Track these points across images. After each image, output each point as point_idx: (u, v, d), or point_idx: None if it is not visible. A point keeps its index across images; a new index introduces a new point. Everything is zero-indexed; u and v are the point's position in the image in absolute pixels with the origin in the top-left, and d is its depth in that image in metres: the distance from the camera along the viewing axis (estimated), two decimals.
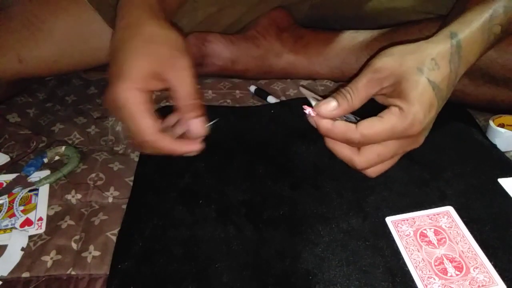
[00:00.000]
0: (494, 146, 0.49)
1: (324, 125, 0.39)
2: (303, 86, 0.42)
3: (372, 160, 0.40)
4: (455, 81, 0.40)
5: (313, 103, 0.40)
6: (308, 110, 0.39)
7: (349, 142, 0.39)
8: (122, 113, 0.38)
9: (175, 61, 0.39)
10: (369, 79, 0.38)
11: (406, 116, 0.37)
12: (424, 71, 0.37)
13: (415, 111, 0.37)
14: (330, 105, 0.38)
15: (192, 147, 0.41)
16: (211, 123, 0.44)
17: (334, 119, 0.39)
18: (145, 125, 0.38)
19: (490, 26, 0.41)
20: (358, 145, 0.39)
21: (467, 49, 0.40)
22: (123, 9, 0.43)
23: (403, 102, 0.37)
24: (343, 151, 0.41)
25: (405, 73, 0.37)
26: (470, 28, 0.40)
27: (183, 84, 0.39)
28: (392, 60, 0.38)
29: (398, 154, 0.41)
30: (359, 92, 0.38)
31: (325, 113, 0.38)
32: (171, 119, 0.44)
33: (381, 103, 0.41)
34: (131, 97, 0.38)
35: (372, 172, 0.42)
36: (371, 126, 0.37)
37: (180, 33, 0.41)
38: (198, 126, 0.40)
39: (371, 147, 0.39)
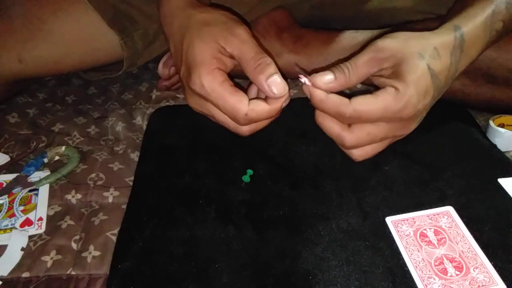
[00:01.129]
0: (494, 146, 0.49)
1: (318, 95, 0.38)
2: (297, 65, 0.42)
3: (361, 138, 0.40)
4: (454, 75, 0.40)
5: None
6: (304, 79, 0.39)
7: (340, 116, 0.38)
8: (212, 98, 0.38)
9: (229, 33, 0.39)
10: (370, 58, 0.38)
11: (401, 97, 0.37)
12: (425, 57, 0.37)
13: (410, 94, 0.37)
14: (327, 77, 0.38)
15: (284, 98, 0.39)
16: (248, 175, 0.45)
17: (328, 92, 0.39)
18: (238, 98, 0.38)
19: (493, 22, 0.41)
20: (348, 120, 0.39)
21: (470, 44, 0.40)
22: (169, 12, 0.44)
23: (400, 83, 0.37)
24: (333, 127, 0.40)
25: (406, 56, 0.37)
26: (474, 22, 0.40)
27: (243, 49, 0.39)
28: (396, 42, 0.38)
29: (388, 138, 0.41)
30: (358, 68, 0.38)
31: (320, 84, 0.38)
32: (251, 91, 0.43)
33: (377, 84, 0.40)
34: (214, 78, 0.38)
35: (359, 154, 0.42)
36: (365, 102, 0.37)
37: (224, 11, 0.42)
38: (276, 83, 0.37)
39: (362, 125, 0.39)
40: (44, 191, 0.47)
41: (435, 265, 0.36)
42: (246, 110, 0.38)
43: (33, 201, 0.45)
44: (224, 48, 0.39)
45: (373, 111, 0.37)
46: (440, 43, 0.38)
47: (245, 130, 0.41)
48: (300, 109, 0.55)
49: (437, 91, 0.39)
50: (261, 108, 0.38)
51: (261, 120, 0.40)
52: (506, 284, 0.34)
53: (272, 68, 0.38)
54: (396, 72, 0.38)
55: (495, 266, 0.36)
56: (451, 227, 0.39)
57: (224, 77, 0.39)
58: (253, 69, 0.38)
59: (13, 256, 0.40)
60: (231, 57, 0.40)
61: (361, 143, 0.40)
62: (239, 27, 0.40)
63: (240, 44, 0.39)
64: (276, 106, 0.39)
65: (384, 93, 0.37)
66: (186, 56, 0.40)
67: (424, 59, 0.37)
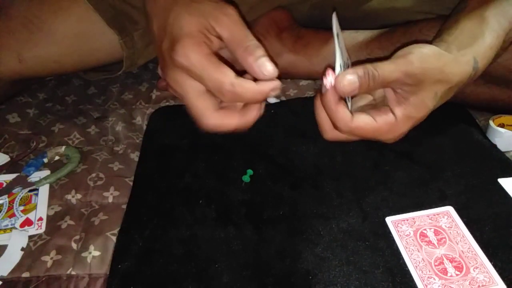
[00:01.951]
0: (494, 146, 0.49)
1: (329, 101, 0.38)
2: (336, 13, 0.40)
3: (340, 139, 0.42)
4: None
5: (338, 68, 0.38)
6: (329, 79, 0.37)
7: (336, 127, 0.40)
8: (196, 69, 0.36)
9: (220, 12, 0.38)
10: (398, 80, 0.38)
11: (396, 128, 0.39)
12: (437, 97, 0.39)
13: (405, 128, 0.39)
14: (351, 87, 0.36)
15: (274, 84, 0.36)
16: (247, 175, 0.45)
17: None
18: (224, 69, 0.36)
19: (498, 49, 0.42)
20: (341, 131, 0.40)
21: (478, 74, 0.41)
22: None
23: (401, 114, 0.38)
24: (323, 121, 0.41)
25: (424, 90, 0.38)
26: (488, 57, 0.41)
27: (234, 30, 0.38)
28: (426, 72, 0.38)
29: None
30: (382, 84, 0.38)
31: (341, 90, 0.37)
32: None
33: (384, 91, 0.41)
34: (200, 50, 0.36)
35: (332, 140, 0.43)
36: (364, 124, 0.38)
37: None
38: (264, 65, 0.36)
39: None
40: (44, 191, 0.47)
41: (435, 265, 0.36)
42: (233, 81, 0.35)
43: (33, 201, 0.45)
44: (213, 28, 0.38)
45: (366, 132, 0.39)
46: (457, 82, 0.40)
47: (209, 122, 0.38)
48: (300, 109, 0.55)
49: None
50: (249, 85, 0.36)
51: (246, 97, 0.36)
52: (506, 284, 0.34)
53: (262, 50, 0.37)
54: (406, 99, 0.39)
55: (495, 266, 0.36)
56: (451, 227, 0.39)
57: (210, 51, 0.37)
58: (243, 50, 0.37)
59: (13, 256, 0.40)
60: (219, 37, 0.38)
61: (337, 141, 0.42)
62: (230, 7, 0.39)
63: (232, 24, 0.38)
64: (264, 88, 0.36)
65: (383, 120, 0.39)
66: (171, 29, 0.38)
67: (435, 100, 0.39)
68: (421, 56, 0.38)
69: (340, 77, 0.36)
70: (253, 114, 0.38)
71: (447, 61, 0.39)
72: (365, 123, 0.38)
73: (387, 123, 0.39)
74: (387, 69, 0.37)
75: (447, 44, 0.41)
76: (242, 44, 0.37)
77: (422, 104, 0.39)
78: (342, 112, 0.38)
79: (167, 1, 0.40)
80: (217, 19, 0.38)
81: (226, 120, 0.38)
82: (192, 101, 0.38)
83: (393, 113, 0.39)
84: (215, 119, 0.38)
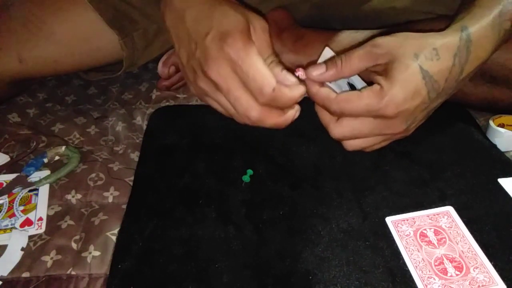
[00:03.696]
0: (494, 146, 0.49)
1: (310, 89, 0.40)
2: (329, 47, 0.43)
3: (346, 132, 0.41)
4: (459, 76, 0.40)
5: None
6: (299, 72, 0.40)
7: (328, 110, 0.40)
8: (243, 65, 0.37)
9: (257, 22, 0.40)
10: (366, 52, 0.39)
11: (383, 95, 0.37)
12: (419, 57, 0.37)
13: (393, 93, 0.37)
14: (319, 69, 0.40)
15: (302, 90, 0.39)
16: (248, 175, 0.45)
17: (322, 84, 0.40)
18: (269, 72, 0.37)
19: (500, 22, 0.40)
20: (335, 114, 0.40)
21: (477, 44, 0.39)
22: None
23: (386, 81, 0.38)
24: (324, 116, 0.42)
25: (400, 55, 0.38)
26: (480, 23, 0.40)
27: (263, 43, 0.39)
28: (394, 41, 0.39)
29: (375, 134, 0.41)
30: (351, 61, 0.39)
31: (313, 76, 0.40)
32: None
33: (372, 80, 0.41)
34: (249, 49, 0.37)
35: (349, 145, 0.43)
36: (348, 99, 0.38)
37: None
38: (287, 78, 0.39)
39: (348, 120, 0.40)
40: (44, 191, 0.47)
41: (435, 265, 0.36)
42: (275, 85, 0.37)
43: (33, 201, 0.45)
44: (251, 34, 0.39)
45: (355, 107, 0.38)
46: (442, 44, 0.38)
47: (254, 114, 0.39)
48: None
49: (433, 93, 0.39)
50: (286, 91, 0.38)
51: (281, 103, 0.38)
52: (506, 284, 0.34)
53: (281, 66, 0.40)
54: (386, 70, 0.38)
55: (495, 266, 0.36)
56: (451, 227, 0.39)
57: (257, 51, 0.38)
58: (269, 62, 0.39)
59: (13, 256, 0.40)
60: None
61: (346, 136, 0.42)
62: (264, 21, 0.40)
63: (264, 37, 0.39)
64: (295, 93, 0.38)
65: (368, 90, 0.38)
66: (221, 23, 0.38)
67: (418, 60, 0.37)
68: (389, 34, 0.39)
69: (307, 68, 0.40)
70: (291, 114, 0.40)
71: (421, 33, 0.39)
72: (350, 97, 0.38)
73: (373, 91, 0.38)
74: (354, 49, 0.40)
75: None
76: (267, 60, 0.39)
77: (402, 66, 0.37)
78: (324, 92, 0.40)
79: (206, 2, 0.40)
80: (255, 28, 0.39)
81: (270, 115, 0.39)
82: (239, 92, 0.38)
83: (377, 83, 0.38)
84: (261, 112, 0.38)
